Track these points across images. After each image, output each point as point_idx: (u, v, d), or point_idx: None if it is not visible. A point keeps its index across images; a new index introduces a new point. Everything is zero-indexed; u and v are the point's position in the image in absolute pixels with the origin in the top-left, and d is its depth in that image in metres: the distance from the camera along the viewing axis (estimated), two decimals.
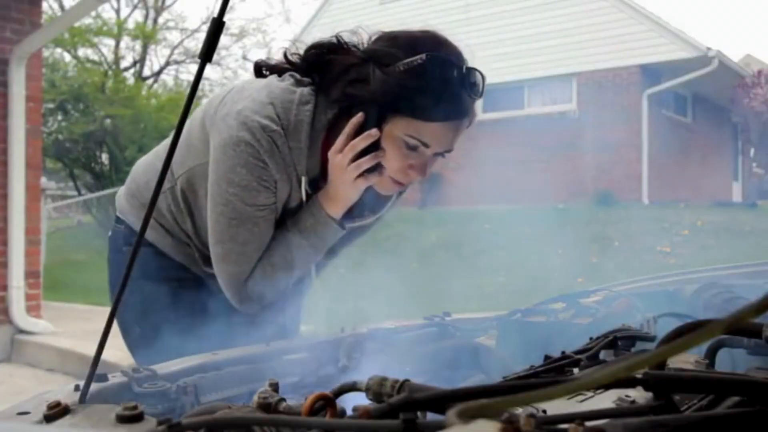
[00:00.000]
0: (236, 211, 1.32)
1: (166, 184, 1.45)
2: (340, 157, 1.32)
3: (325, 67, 1.34)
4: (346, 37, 1.35)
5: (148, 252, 1.50)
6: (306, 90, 1.33)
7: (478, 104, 1.34)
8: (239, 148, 1.28)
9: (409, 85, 1.25)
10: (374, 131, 1.29)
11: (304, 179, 1.35)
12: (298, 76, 1.36)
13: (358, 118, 1.30)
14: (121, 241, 1.60)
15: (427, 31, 1.32)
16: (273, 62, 1.45)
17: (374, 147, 1.31)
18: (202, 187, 1.40)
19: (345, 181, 1.33)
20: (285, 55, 1.42)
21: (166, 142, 1.60)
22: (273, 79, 1.38)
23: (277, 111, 1.29)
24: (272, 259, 1.38)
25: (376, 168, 1.33)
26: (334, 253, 1.58)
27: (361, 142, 1.29)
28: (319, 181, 1.39)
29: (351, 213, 1.42)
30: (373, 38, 1.34)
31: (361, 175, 1.33)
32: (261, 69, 1.45)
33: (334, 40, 1.35)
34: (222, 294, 1.41)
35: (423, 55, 1.25)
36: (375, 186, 1.38)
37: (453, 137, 1.32)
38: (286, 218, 1.40)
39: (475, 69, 1.29)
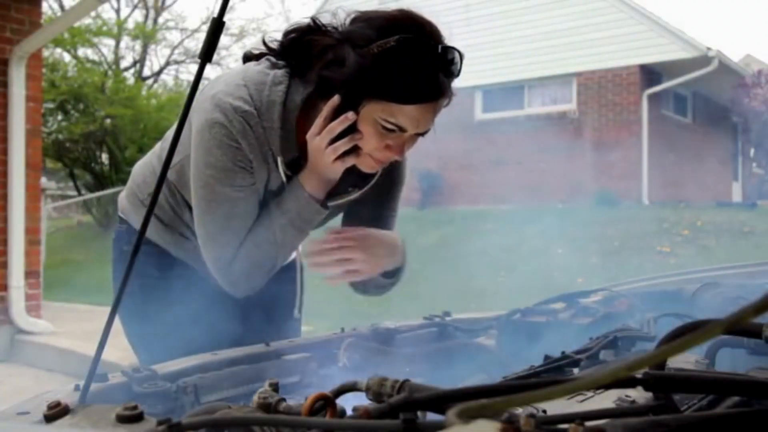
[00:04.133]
0: (215, 193, 1.33)
1: None
2: (317, 140, 1.31)
3: (301, 49, 1.33)
4: (325, 20, 1.33)
5: (147, 250, 1.50)
6: (280, 72, 1.33)
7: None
8: (213, 130, 1.29)
9: (383, 68, 1.23)
10: (351, 115, 1.27)
11: (280, 159, 1.35)
12: (273, 59, 1.36)
13: (334, 100, 1.29)
14: (124, 241, 1.61)
15: (403, 10, 1.29)
16: (258, 51, 1.44)
17: (351, 129, 1.29)
18: (190, 177, 1.41)
19: (324, 163, 1.33)
20: (263, 41, 1.41)
21: (161, 141, 1.61)
22: (250, 64, 1.39)
23: (250, 92, 1.30)
24: (257, 241, 1.38)
25: (354, 149, 1.32)
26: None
27: (338, 125, 1.29)
28: (299, 161, 1.38)
29: (333, 191, 1.42)
30: (350, 18, 1.32)
31: (339, 158, 1.32)
32: (250, 59, 1.45)
33: (311, 22, 1.34)
34: (222, 289, 1.42)
35: (396, 37, 1.22)
36: (356, 165, 1.37)
37: (430, 118, 1.30)
38: (269, 200, 1.41)
39: (451, 47, 1.26)
